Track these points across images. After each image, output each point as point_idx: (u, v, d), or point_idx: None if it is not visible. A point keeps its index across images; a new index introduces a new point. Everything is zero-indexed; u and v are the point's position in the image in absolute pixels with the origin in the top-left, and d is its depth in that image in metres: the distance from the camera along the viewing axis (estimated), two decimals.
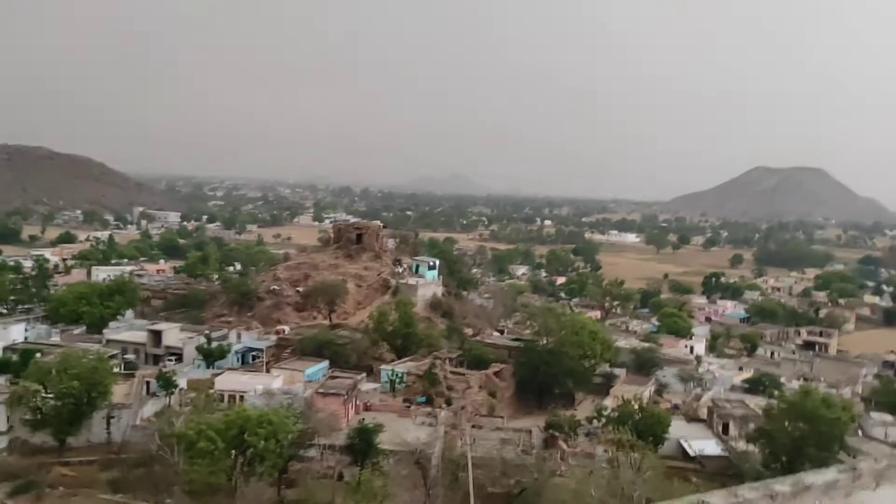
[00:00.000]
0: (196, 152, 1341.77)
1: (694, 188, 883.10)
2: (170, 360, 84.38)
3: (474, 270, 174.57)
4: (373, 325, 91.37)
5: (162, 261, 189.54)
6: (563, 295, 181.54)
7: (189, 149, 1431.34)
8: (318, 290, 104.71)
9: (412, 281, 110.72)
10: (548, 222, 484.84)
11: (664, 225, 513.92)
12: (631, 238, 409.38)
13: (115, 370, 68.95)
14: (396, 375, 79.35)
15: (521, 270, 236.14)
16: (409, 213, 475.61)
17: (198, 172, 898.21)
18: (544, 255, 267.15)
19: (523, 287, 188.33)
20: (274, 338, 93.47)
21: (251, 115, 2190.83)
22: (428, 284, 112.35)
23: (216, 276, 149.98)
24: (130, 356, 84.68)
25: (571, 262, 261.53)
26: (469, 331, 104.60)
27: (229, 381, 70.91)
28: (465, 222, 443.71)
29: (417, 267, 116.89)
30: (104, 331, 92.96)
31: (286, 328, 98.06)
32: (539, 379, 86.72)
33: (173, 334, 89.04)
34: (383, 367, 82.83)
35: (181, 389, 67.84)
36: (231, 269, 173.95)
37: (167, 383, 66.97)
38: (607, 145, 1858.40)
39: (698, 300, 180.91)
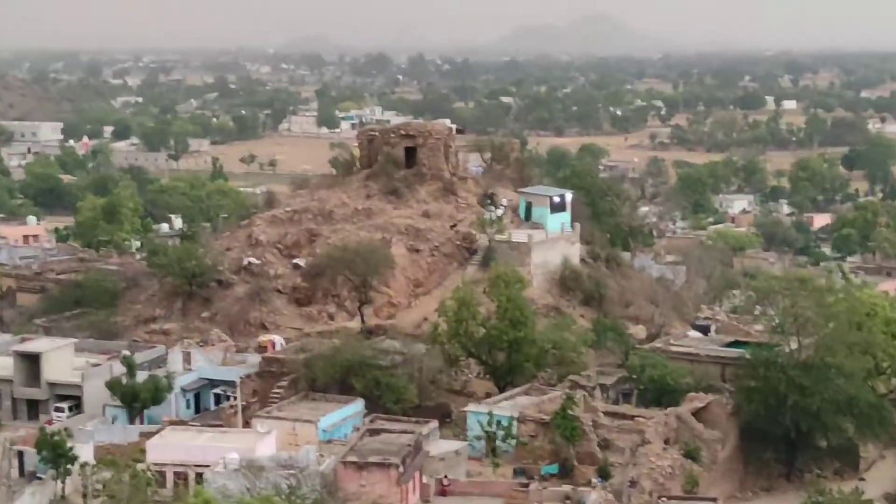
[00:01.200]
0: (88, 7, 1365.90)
1: None
2: (59, 408, 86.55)
3: (643, 209, 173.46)
4: (447, 326, 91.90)
5: (32, 218, 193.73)
6: (826, 251, 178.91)
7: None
8: (337, 261, 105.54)
9: (520, 236, 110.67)
10: (789, 104, 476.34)
11: None
12: None
13: None
14: (498, 423, 79.98)
15: (741, 204, 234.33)
16: (505, 99, 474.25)
17: (90, 43, 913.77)
18: (786, 170, 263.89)
19: (745, 238, 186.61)
20: (256, 359, 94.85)
21: None
22: (552, 241, 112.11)
23: (137, 245, 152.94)
24: None
25: (842, 183, 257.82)
26: (639, 329, 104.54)
27: (174, 445, 72.24)
28: (619, 112, 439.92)
29: (529, 207, 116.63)
30: None
31: (277, 339, 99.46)
32: (786, 420, 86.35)
33: (63, 359, 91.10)
34: (471, 407, 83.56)
35: (84, 465, 69.52)
36: (165, 227, 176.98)
37: (57, 454, 68.67)
38: None
39: None
